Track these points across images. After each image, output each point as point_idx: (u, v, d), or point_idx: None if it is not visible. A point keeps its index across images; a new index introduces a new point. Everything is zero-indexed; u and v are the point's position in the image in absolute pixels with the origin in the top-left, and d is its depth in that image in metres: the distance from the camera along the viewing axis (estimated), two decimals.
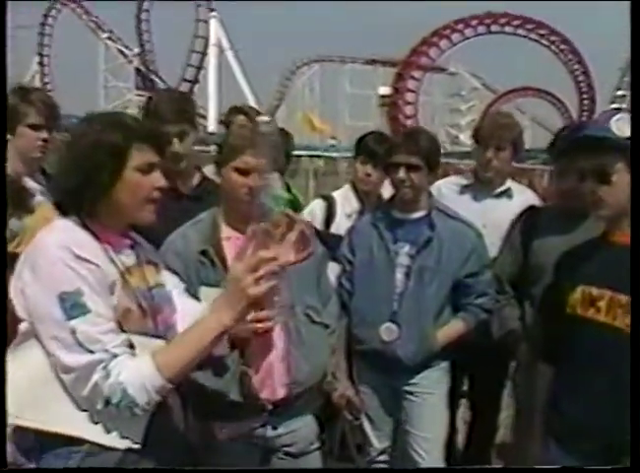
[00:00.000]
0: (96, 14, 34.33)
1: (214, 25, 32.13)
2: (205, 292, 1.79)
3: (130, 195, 1.30)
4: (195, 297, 1.67)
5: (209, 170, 2.29)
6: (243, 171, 1.76)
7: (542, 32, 23.09)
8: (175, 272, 1.64)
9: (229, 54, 32.76)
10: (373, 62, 36.99)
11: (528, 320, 2.30)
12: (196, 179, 2.31)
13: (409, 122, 24.24)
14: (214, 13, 31.73)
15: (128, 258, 1.34)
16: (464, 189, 2.81)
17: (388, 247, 2.30)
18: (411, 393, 2.33)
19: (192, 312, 1.42)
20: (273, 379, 1.84)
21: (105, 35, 34.49)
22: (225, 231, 1.87)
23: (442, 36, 27.95)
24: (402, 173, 2.22)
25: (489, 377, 2.73)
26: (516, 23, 22.69)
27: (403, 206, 2.33)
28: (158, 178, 1.34)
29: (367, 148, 2.78)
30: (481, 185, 2.78)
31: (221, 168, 1.84)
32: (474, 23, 27.51)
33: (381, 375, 2.33)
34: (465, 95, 37.26)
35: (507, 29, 24.04)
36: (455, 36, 28.42)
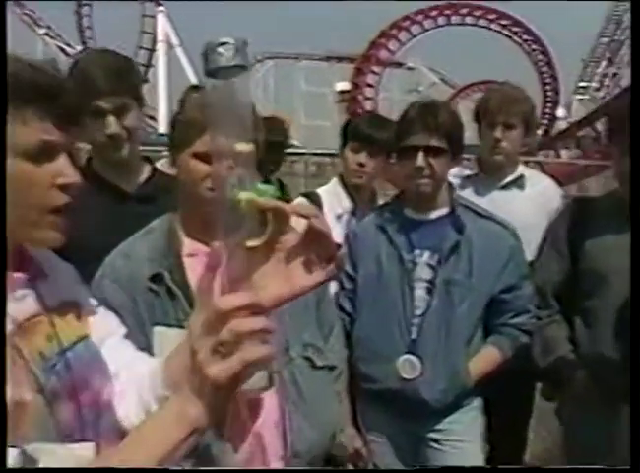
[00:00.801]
0: (30, 7, 32.69)
1: (161, 20, 31.15)
2: (161, 335, 1.27)
3: (12, 198, 0.76)
4: (146, 346, 1.16)
5: (163, 166, 1.77)
6: (205, 157, 1.26)
7: (504, 22, 23.08)
8: (115, 310, 1.11)
9: (179, 51, 31.85)
10: (329, 59, 36.61)
11: (582, 342, 1.84)
12: (145, 173, 1.76)
13: None
14: (161, 7, 30.76)
15: (21, 305, 0.78)
16: (465, 182, 2.35)
17: (402, 257, 1.81)
18: (437, 441, 1.85)
19: (139, 377, 0.89)
20: (264, 453, 1.33)
21: (43, 31, 33.03)
22: (188, 244, 1.35)
23: (401, 29, 27.64)
24: (420, 160, 1.74)
25: (515, 411, 2.28)
26: (478, 13, 22.64)
27: (419, 202, 1.85)
28: (62, 168, 0.80)
29: (360, 132, 2.31)
30: (487, 175, 2.34)
31: (176, 156, 1.33)
32: (433, 14, 27.31)
33: (398, 420, 1.85)
34: (423, 90, 37.28)
35: (468, 19, 23.96)
36: (414, 28, 28.16)
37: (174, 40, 31.16)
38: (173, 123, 1.32)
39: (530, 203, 2.25)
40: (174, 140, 1.31)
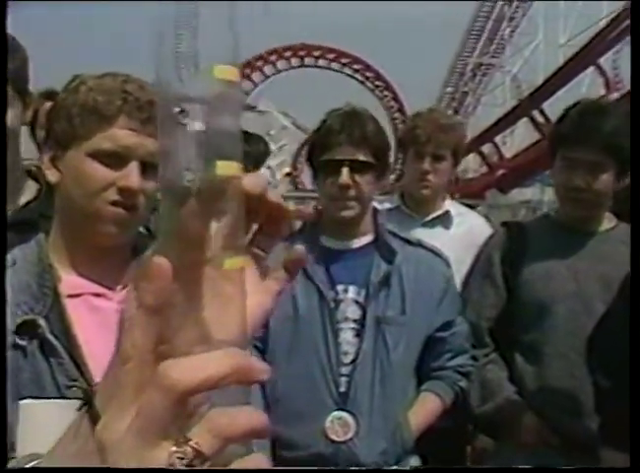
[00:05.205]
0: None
1: None
2: (29, 410, 0.95)
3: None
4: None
5: None
6: (108, 158, 0.99)
7: (356, 67, 24.26)
8: None
9: None
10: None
11: (526, 381, 1.75)
12: (27, 193, 1.34)
13: None
14: None
15: None
16: (385, 216, 2.22)
17: (322, 294, 1.62)
18: None
19: None
20: None
21: None
22: (67, 281, 1.05)
23: (254, 68, 28.06)
24: (345, 176, 1.58)
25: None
26: (331, 56, 23.57)
27: (340, 229, 1.67)
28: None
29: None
30: (410, 209, 2.23)
31: (57, 155, 1.04)
32: (287, 54, 28.10)
33: None
34: (274, 134, 38.11)
35: (321, 62, 24.88)
36: (267, 69, 28.74)
37: None
38: (55, 109, 1.03)
39: (455, 244, 2.08)
40: (57, 132, 1.02)
